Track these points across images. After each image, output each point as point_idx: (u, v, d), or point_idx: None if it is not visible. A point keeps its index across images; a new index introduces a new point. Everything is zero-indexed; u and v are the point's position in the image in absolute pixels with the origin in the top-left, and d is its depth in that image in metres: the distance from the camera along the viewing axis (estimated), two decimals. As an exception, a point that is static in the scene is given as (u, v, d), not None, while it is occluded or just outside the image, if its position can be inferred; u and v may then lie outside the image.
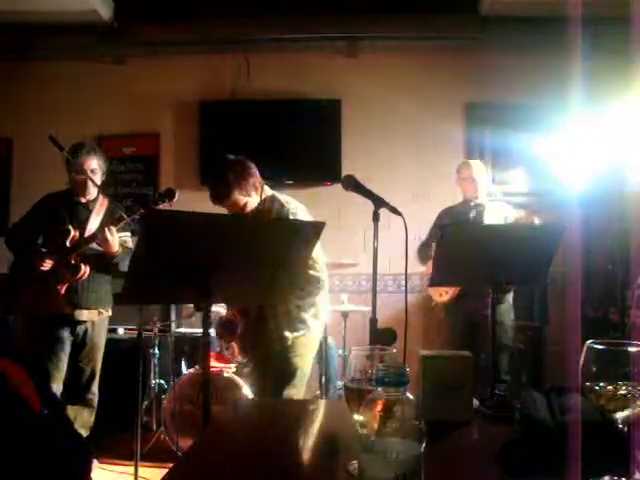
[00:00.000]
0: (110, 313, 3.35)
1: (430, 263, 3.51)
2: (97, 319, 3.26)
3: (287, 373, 2.68)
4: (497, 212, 3.63)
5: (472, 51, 4.61)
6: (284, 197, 2.78)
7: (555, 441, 1.01)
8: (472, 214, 3.66)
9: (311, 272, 2.62)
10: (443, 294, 3.63)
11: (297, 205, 2.73)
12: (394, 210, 2.07)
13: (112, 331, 3.90)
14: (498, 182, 4.71)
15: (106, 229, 2.97)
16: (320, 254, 2.67)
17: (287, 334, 2.64)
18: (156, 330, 3.72)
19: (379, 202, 2.08)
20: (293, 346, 2.67)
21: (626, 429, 0.93)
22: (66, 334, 3.17)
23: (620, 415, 0.92)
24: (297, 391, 2.70)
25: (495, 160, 4.74)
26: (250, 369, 3.36)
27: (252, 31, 4.58)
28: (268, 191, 2.80)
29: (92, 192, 3.26)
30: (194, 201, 4.24)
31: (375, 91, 4.68)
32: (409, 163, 4.76)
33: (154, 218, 1.85)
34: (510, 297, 3.67)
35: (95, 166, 3.19)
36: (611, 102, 3.96)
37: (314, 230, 2.00)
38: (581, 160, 4.01)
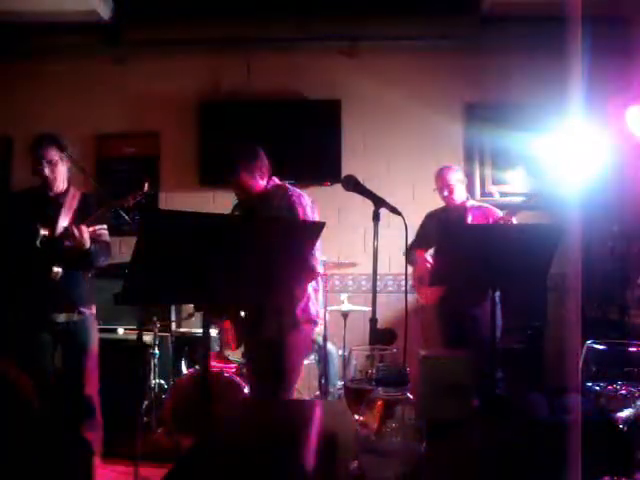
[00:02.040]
0: (94, 311, 3.17)
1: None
2: (77, 319, 3.07)
3: (278, 372, 2.68)
4: (480, 214, 3.64)
5: (472, 51, 4.61)
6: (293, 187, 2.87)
7: (555, 441, 1.01)
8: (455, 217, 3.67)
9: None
10: (426, 296, 3.63)
11: (302, 193, 2.81)
12: (394, 210, 2.07)
13: (112, 331, 3.90)
14: (497, 182, 4.71)
15: (74, 227, 2.87)
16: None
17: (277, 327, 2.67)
18: (156, 330, 3.71)
19: (379, 202, 2.09)
20: (285, 343, 2.68)
21: (626, 429, 0.93)
22: (47, 337, 3.03)
23: (620, 415, 0.92)
24: (289, 391, 2.70)
25: (494, 160, 4.75)
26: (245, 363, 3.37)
27: (252, 31, 4.58)
28: (277, 181, 2.92)
29: (60, 184, 3.11)
30: (194, 201, 4.27)
31: (375, 91, 4.68)
32: (409, 163, 4.75)
33: (153, 218, 1.85)
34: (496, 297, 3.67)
35: (56, 157, 3.06)
36: (611, 102, 3.96)
37: (314, 230, 2.00)
38: (581, 160, 4.01)
